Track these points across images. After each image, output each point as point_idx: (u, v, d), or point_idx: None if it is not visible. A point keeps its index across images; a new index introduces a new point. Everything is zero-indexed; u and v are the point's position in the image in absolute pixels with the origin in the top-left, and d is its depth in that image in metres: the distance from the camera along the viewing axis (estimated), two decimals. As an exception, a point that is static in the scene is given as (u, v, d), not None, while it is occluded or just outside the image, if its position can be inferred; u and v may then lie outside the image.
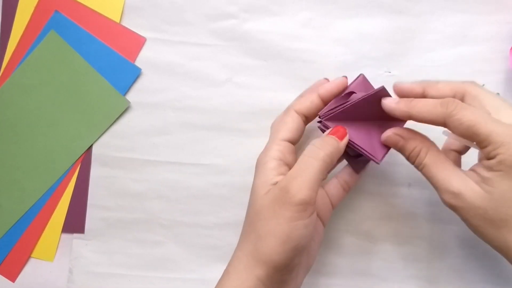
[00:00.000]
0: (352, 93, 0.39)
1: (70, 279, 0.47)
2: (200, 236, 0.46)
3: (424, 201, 0.45)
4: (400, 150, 0.38)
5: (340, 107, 0.38)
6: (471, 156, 0.39)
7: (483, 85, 0.38)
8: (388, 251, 0.45)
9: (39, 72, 0.47)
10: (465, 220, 0.35)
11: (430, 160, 0.36)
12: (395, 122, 0.38)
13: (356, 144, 0.38)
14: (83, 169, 0.47)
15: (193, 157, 0.46)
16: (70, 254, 0.47)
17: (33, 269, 0.47)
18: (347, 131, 0.38)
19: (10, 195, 0.47)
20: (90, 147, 0.47)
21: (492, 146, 0.33)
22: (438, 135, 0.38)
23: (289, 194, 0.34)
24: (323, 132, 0.39)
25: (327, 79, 0.42)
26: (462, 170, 0.35)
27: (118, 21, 0.47)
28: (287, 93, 0.46)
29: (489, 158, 0.33)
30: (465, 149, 0.41)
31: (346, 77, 0.40)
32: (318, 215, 0.40)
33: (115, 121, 0.47)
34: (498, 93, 0.45)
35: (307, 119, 0.41)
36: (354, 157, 0.41)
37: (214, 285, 0.37)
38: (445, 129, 0.35)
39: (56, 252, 0.47)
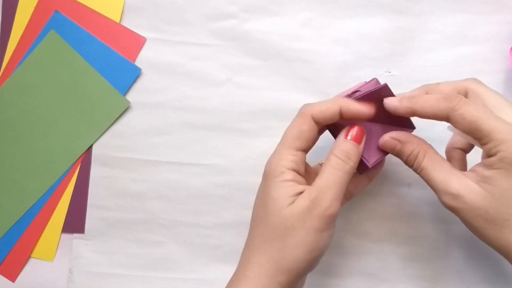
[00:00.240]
0: (357, 91, 0.39)
1: (70, 279, 0.47)
2: (200, 236, 0.46)
3: (424, 201, 0.45)
4: (398, 154, 0.37)
5: None
6: (475, 157, 0.39)
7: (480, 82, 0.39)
8: (388, 251, 0.45)
9: (39, 72, 0.47)
10: (465, 221, 0.35)
11: (428, 162, 0.36)
12: (397, 127, 0.38)
13: None
14: (83, 169, 0.47)
15: (193, 157, 0.46)
16: (70, 254, 0.47)
17: (33, 269, 0.47)
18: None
19: (10, 195, 0.47)
20: (90, 147, 0.47)
21: (493, 143, 0.33)
22: (439, 135, 0.38)
23: (322, 207, 0.34)
24: (328, 128, 0.39)
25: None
26: (461, 172, 0.35)
27: (118, 21, 0.47)
28: (287, 93, 0.46)
29: (490, 156, 0.33)
30: (470, 147, 0.40)
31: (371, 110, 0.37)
32: None
33: (115, 121, 0.47)
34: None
35: (322, 128, 0.39)
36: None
37: (214, 285, 0.37)
38: (450, 124, 0.35)
39: (56, 252, 0.47)
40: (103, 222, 0.47)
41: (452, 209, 0.35)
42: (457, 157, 0.40)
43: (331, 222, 0.35)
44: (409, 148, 0.36)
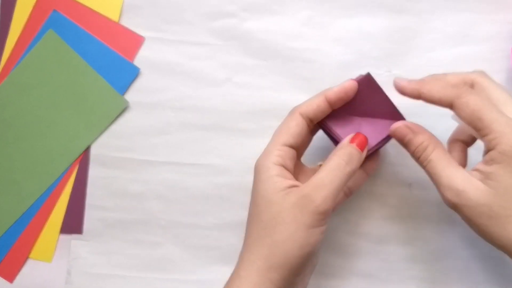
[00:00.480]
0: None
1: (68, 280, 0.46)
2: (199, 236, 0.46)
3: (425, 201, 0.45)
4: (407, 143, 0.37)
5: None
6: (475, 157, 0.39)
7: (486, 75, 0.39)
8: (388, 252, 0.45)
9: (37, 72, 0.47)
10: (468, 219, 0.34)
11: (436, 156, 0.36)
12: (384, 120, 0.39)
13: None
14: (82, 169, 0.47)
15: (193, 157, 0.46)
16: (68, 255, 0.47)
17: (31, 270, 0.47)
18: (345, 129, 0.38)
19: (7, 195, 0.47)
20: (89, 147, 0.47)
21: (493, 134, 0.33)
22: (441, 136, 0.38)
23: (314, 203, 0.35)
24: (323, 130, 0.39)
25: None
26: (466, 171, 0.35)
27: (116, 20, 0.47)
28: (287, 93, 0.46)
29: (490, 149, 0.33)
30: (472, 140, 0.40)
31: (354, 80, 0.39)
32: None
33: (113, 121, 0.47)
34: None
35: (312, 122, 0.39)
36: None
37: (213, 286, 0.37)
38: (454, 114, 0.35)
39: (54, 253, 0.47)
40: (101, 223, 0.46)
41: (455, 206, 0.34)
42: (458, 149, 0.40)
43: (323, 219, 0.35)
44: (420, 139, 0.37)
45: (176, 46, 0.47)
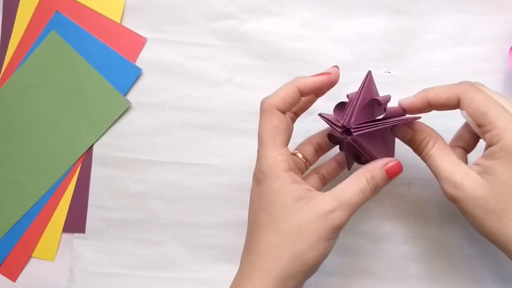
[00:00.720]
0: (377, 101, 0.38)
1: (70, 279, 0.47)
2: (200, 236, 0.46)
3: (423, 200, 0.45)
4: (409, 141, 0.38)
5: (373, 125, 0.36)
6: (475, 158, 0.39)
7: (482, 85, 0.39)
8: (387, 251, 0.45)
9: (40, 73, 0.47)
10: (465, 212, 0.35)
11: (437, 151, 0.36)
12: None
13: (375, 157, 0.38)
14: (84, 169, 0.47)
15: (193, 157, 0.47)
16: (70, 254, 0.47)
17: (33, 269, 0.47)
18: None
19: (10, 195, 0.47)
20: (91, 147, 0.47)
21: (496, 130, 0.33)
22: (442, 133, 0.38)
23: (338, 220, 0.35)
24: (330, 141, 0.40)
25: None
26: (466, 165, 0.36)
27: (118, 22, 0.47)
28: (287, 93, 0.46)
29: (491, 144, 0.34)
30: (472, 146, 0.40)
31: (336, 67, 0.38)
32: None
33: (115, 121, 0.47)
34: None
35: (295, 115, 0.40)
36: (355, 157, 0.41)
37: (214, 285, 0.37)
38: (462, 111, 0.36)
39: (56, 252, 0.47)
40: (103, 222, 0.47)
41: (453, 198, 0.35)
42: (458, 154, 0.40)
43: (339, 232, 0.36)
44: (421, 135, 0.37)
45: (177, 47, 0.47)
